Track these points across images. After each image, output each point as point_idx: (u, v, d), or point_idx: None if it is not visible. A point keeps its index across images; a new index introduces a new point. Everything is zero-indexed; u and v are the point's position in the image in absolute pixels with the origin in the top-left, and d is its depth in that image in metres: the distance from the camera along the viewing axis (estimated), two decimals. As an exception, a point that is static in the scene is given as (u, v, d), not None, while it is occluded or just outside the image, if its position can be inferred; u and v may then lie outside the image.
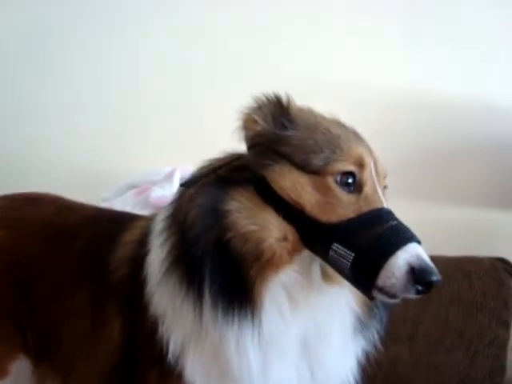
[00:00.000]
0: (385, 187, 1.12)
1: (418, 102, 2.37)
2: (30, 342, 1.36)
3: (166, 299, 1.09)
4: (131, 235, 1.28)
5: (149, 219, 1.28)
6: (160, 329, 1.09)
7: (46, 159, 2.39)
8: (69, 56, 2.43)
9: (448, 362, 1.92)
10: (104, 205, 1.93)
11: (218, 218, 1.03)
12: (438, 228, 2.17)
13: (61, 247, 1.37)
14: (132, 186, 2.17)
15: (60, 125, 2.42)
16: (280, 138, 1.08)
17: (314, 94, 1.18)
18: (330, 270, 1.05)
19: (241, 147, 1.15)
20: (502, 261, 2.05)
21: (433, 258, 0.95)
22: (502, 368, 1.95)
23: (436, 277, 0.93)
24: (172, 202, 1.17)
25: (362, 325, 1.14)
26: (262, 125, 1.09)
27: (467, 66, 2.38)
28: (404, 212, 1.04)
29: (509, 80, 2.37)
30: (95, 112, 2.42)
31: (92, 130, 2.42)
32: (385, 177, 1.13)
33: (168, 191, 1.95)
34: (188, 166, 1.69)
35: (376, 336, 1.17)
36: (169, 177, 2.06)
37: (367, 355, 1.20)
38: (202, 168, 1.15)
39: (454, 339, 1.94)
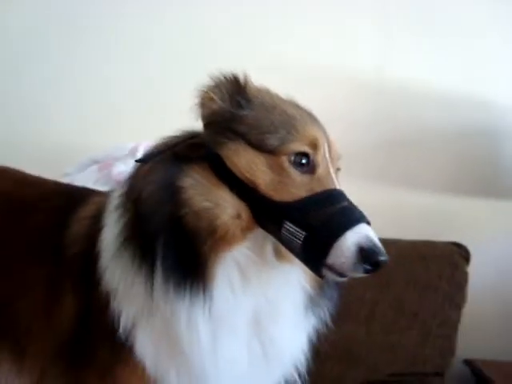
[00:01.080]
0: (338, 169, 1.14)
1: (387, 88, 2.40)
2: None
3: (118, 274, 1.09)
4: (87, 211, 1.27)
5: (106, 195, 1.27)
6: (111, 304, 1.09)
7: (7, 133, 2.34)
8: (42, 36, 2.37)
9: (402, 341, 1.99)
10: (66, 180, 1.89)
11: (172, 194, 1.03)
12: (395, 211, 2.23)
13: (16, 221, 1.35)
14: (95, 162, 2.14)
15: (22, 99, 2.37)
16: (236, 117, 1.08)
17: (280, 79, 1.18)
18: (283, 249, 1.07)
19: (199, 125, 1.14)
20: (458, 245, 2.12)
21: (391, 242, 0.98)
22: (452, 348, 2.03)
23: (383, 257, 0.95)
24: (127, 179, 1.16)
25: (312, 303, 1.16)
26: (218, 103, 1.09)
27: (437, 55, 2.42)
28: (364, 196, 1.06)
29: (474, 69, 2.42)
30: (59, 87, 2.37)
31: (55, 105, 2.37)
32: (338, 159, 1.14)
33: (130, 167, 1.93)
34: (151, 143, 1.68)
35: (327, 314, 1.20)
36: (132, 152, 2.04)
37: (318, 333, 1.23)
38: (158, 145, 1.15)
39: (408, 320, 2.00)
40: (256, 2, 2.38)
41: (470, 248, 2.12)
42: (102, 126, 2.32)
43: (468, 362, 2.26)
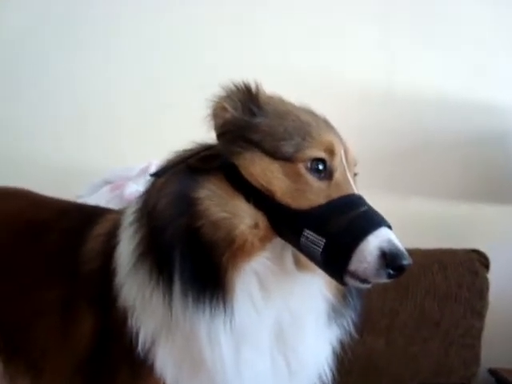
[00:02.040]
0: (355, 174, 1.12)
1: (392, 97, 2.39)
2: None
3: (135, 290, 1.08)
4: (102, 228, 1.26)
5: (119, 212, 1.26)
6: (129, 321, 1.07)
7: (19, 157, 2.34)
8: (42, 53, 2.38)
9: (424, 352, 1.95)
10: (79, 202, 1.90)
11: (187, 205, 1.02)
12: (413, 221, 2.19)
13: (31, 242, 1.34)
14: (106, 182, 2.14)
15: (34, 123, 2.37)
16: (249, 125, 1.07)
17: (290, 88, 1.17)
18: (303, 258, 1.05)
19: (211, 139, 1.14)
20: (477, 252, 2.09)
21: (409, 251, 0.95)
22: (477, 357, 1.99)
23: (407, 261, 0.93)
24: (142, 194, 1.15)
25: (336, 313, 1.13)
26: (231, 112, 1.08)
27: (443, 64, 2.41)
28: (379, 206, 1.04)
29: (482, 75, 2.40)
30: (69, 110, 2.38)
31: (66, 128, 2.37)
32: (355, 164, 1.13)
33: (142, 187, 1.93)
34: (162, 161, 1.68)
35: (351, 324, 1.17)
36: (143, 172, 2.04)
37: (342, 345, 1.20)
38: (172, 159, 1.14)
39: (429, 330, 1.97)
40: (266, 12, 2.38)
41: (488, 255, 2.08)
42: (113, 148, 2.32)
43: (493, 372, 2.21)
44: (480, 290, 2.02)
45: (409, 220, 2.03)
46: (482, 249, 2.10)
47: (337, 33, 2.39)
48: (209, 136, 1.14)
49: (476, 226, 2.36)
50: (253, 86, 1.12)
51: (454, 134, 2.41)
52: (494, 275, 2.06)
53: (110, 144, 2.34)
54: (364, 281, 0.95)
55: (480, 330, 2.00)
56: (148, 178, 1.17)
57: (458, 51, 2.41)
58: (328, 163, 1.04)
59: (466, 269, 2.03)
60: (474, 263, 2.05)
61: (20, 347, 1.31)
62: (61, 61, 2.37)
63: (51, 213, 1.41)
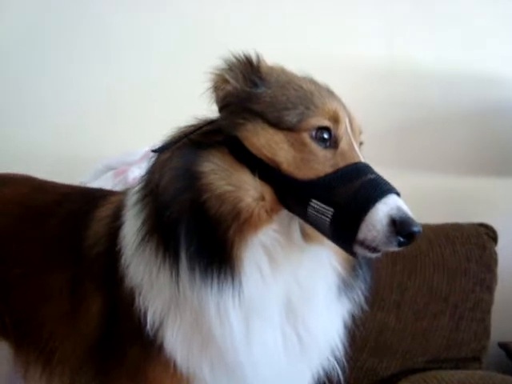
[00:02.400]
0: (361, 143, 1.11)
1: (397, 72, 2.36)
2: (7, 325, 1.33)
3: (141, 269, 1.07)
4: (105, 210, 1.25)
5: (122, 194, 1.25)
6: (137, 300, 1.06)
7: (21, 146, 2.33)
8: (42, 45, 2.37)
9: (434, 327, 1.94)
10: (81, 188, 1.88)
11: (192, 179, 1.00)
12: (420, 196, 2.15)
13: (35, 226, 1.34)
14: (109, 168, 2.13)
15: (34, 111, 2.36)
16: (251, 96, 1.06)
17: (291, 66, 1.15)
18: (310, 229, 1.04)
19: (213, 114, 1.12)
20: (485, 226, 2.08)
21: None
22: (487, 331, 1.98)
23: (417, 227, 0.91)
24: (145, 173, 1.14)
25: (346, 285, 1.12)
26: (232, 84, 1.07)
27: (443, 36, 2.38)
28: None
29: (485, 48, 2.38)
30: (68, 97, 2.36)
31: (66, 115, 2.35)
32: (360, 133, 1.11)
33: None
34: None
35: (361, 297, 1.15)
36: (146, 156, 2.02)
37: (354, 320, 1.19)
38: (174, 134, 1.13)
39: (439, 305, 1.96)
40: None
41: (496, 228, 2.07)
42: (114, 133, 2.30)
43: (503, 345, 2.21)
44: (488, 263, 2.01)
45: (416, 195, 1.99)
46: (490, 222, 2.08)
47: (336, 9, 2.36)
48: (210, 111, 1.12)
49: (483, 199, 2.35)
50: (254, 57, 1.10)
51: (459, 107, 2.38)
52: (502, 249, 2.05)
53: (111, 129, 2.32)
54: (374, 249, 0.94)
55: (489, 303, 1.99)
56: (150, 154, 1.16)
57: (458, 23, 2.38)
58: (333, 132, 1.02)
59: (474, 243, 2.02)
60: (482, 237, 2.03)
61: (30, 332, 1.30)
62: (61, 48, 2.35)
63: (53, 197, 1.40)
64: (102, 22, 2.35)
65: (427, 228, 1.98)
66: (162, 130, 1.18)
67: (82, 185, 2.03)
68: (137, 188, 1.14)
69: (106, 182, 2.06)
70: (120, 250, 1.11)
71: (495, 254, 2.02)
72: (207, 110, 1.12)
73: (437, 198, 2.29)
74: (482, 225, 2.07)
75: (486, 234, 2.04)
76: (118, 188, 2.00)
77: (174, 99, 2.11)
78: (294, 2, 2.33)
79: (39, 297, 1.28)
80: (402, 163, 2.33)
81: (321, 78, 1.15)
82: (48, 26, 2.35)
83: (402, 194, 1.00)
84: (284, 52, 2.14)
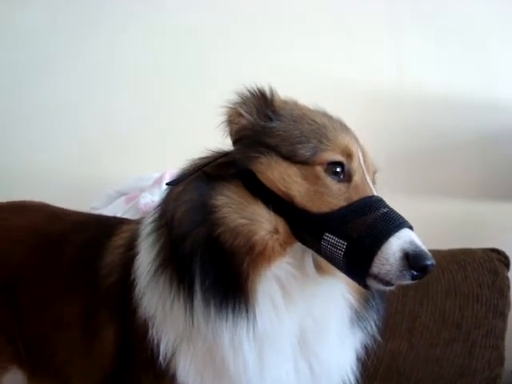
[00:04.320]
0: (374, 182, 1.11)
1: (406, 99, 2.37)
2: (21, 353, 1.33)
3: (155, 300, 1.07)
4: (120, 239, 1.27)
5: (137, 222, 1.26)
6: (150, 331, 1.06)
7: (33, 171, 2.36)
8: (52, 65, 2.40)
9: (447, 354, 1.92)
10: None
11: (206, 213, 1.01)
12: (431, 222, 2.15)
13: (49, 255, 1.35)
14: (121, 194, 2.15)
15: (46, 136, 2.39)
16: (265, 130, 1.07)
17: (298, 90, 1.17)
18: (324, 262, 1.04)
19: (226, 145, 1.14)
20: (496, 251, 2.06)
21: (427, 252, 0.94)
22: (501, 358, 1.95)
23: (431, 261, 0.92)
24: (159, 203, 1.15)
25: (358, 316, 1.12)
26: (247, 118, 1.09)
27: (453, 62, 2.40)
28: (395, 207, 1.03)
29: (495, 74, 2.39)
30: (81, 122, 2.40)
31: (79, 141, 2.39)
32: (375, 172, 1.12)
33: (157, 197, 1.93)
34: (176, 171, 1.68)
35: (374, 328, 1.16)
36: (158, 182, 2.04)
37: (366, 349, 1.19)
38: (188, 167, 1.14)
39: (451, 331, 1.93)
40: (273, 13, 2.39)
41: (508, 253, 2.05)
42: (126, 159, 2.32)
43: (517, 373, 2.17)
44: (501, 289, 1.98)
45: (426, 220, 2.00)
46: (502, 248, 2.06)
47: (345, 33, 2.40)
48: (223, 143, 1.14)
49: (495, 224, 2.33)
50: (267, 91, 1.12)
51: (470, 132, 2.39)
52: (515, 274, 2.03)
53: (123, 155, 2.35)
54: (387, 283, 0.95)
55: (503, 330, 1.96)
56: (164, 187, 1.17)
57: (468, 49, 2.40)
58: (346, 166, 1.04)
59: (486, 268, 2.00)
60: (494, 262, 2.01)
61: (43, 359, 1.31)
62: (66, 70, 2.39)
63: (68, 225, 1.41)
64: (114, 49, 2.39)
65: (438, 254, 1.97)
66: (174, 157, 1.20)
67: (94, 210, 2.06)
68: (151, 218, 1.16)
69: (117, 208, 2.08)
70: (134, 281, 1.12)
71: (507, 279, 2.00)
72: (221, 140, 1.14)
73: (448, 223, 2.28)
74: (493, 250, 2.05)
75: (497, 260, 2.02)
76: (129, 213, 2.02)
77: (188, 127, 2.14)
78: (305, 29, 2.37)
79: (53, 325, 1.29)
80: (412, 189, 2.34)
81: (331, 103, 1.16)
82: (59, 48, 2.39)
83: (412, 219, 1.00)
84: (295, 78, 2.20)
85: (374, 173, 1.13)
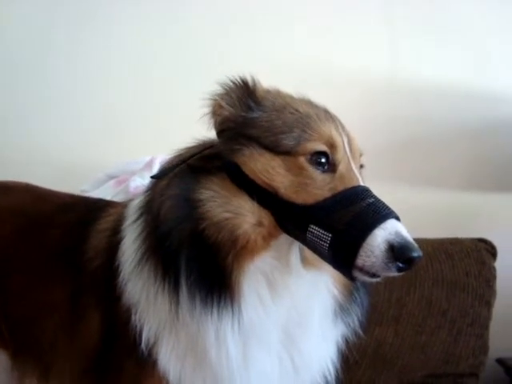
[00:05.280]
0: (361, 166, 1.10)
1: (399, 88, 2.37)
2: (5, 335, 1.32)
3: (139, 288, 1.07)
4: (105, 223, 1.25)
5: (123, 206, 1.25)
6: (133, 318, 1.07)
7: (22, 154, 2.34)
8: (46, 52, 2.37)
9: (432, 341, 1.94)
10: (83, 197, 1.88)
11: (190, 208, 1.01)
12: (419, 211, 2.17)
13: (35, 237, 1.34)
14: (111, 177, 2.13)
15: (36, 119, 2.36)
16: (247, 121, 1.06)
17: (291, 79, 1.16)
18: (309, 255, 1.04)
19: (213, 133, 1.12)
20: (484, 241, 2.07)
21: (415, 241, 0.93)
22: (485, 346, 1.98)
23: (417, 253, 0.90)
24: (145, 192, 1.14)
25: (342, 309, 1.12)
26: (228, 109, 1.07)
27: (447, 52, 2.39)
28: (384, 197, 1.02)
29: (488, 66, 2.39)
30: (71, 106, 2.37)
31: (68, 124, 2.36)
32: (361, 155, 1.10)
33: (147, 180, 1.92)
34: (167, 156, 1.67)
35: (356, 322, 1.15)
36: (148, 166, 2.02)
37: (347, 341, 1.19)
38: (173, 159, 1.13)
39: (437, 319, 1.95)
40: (265, 5, 2.35)
41: (495, 243, 2.07)
42: (116, 142, 2.31)
43: (501, 361, 2.20)
44: (487, 279, 2.00)
45: (415, 210, 2.01)
46: (489, 238, 2.08)
47: (338, 22, 2.37)
48: (212, 131, 1.12)
49: (483, 215, 2.35)
50: (250, 81, 1.10)
51: (460, 123, 2.39)
52: (501, 264, 2.05)
53: (113, 138, 2.32)
54: (373, 275, 0.93)
55: (488, 319, 1.99)
56: (155, 170, 1.16)
57: (461, 39, 2.39)
58: (330, 156, 1.02)
59: (473, 258, 2.01)
60: (481, 252, 2.03)
61: (28, 343, 1.31)
62: (60, 56, 2.36)
63: (54, 207, 1.40)
64: (107, 39, 2.36)
65: (426, 243, 1.98)
66: (163, 140, 1.19)
67: (83, 193, 2.04)
68: (137, 204, 1.15)
69: (107, 191, 2.06)
70: (119, 266, 1.12)
71: (494, 269, 2.02)
72: (208, 128, 1.13)
73: (436, 212, 2.29)
74: (481, 240, 2.07)
75: (485, 250, 2.04)
76: (119, 197, 2.00)
77: (176, 109, 2.11)
78: (295, 16, 2.34)
79: (38, 308, 1.28)
80: (402, 178, 2.34)
81: (323, 91, 1.15)
82: (52, 35, 2.36)
83: (401, 208, 1.00)
84: (285, 66, 2.18)
85: (360, 156, 1.11)
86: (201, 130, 1.13)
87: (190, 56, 2.31)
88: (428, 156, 2.38)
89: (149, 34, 2.34)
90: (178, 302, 1.00)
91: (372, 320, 1.80)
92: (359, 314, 1.15)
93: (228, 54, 2.25)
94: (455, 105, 2.37)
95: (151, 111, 2.30)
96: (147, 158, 2.06)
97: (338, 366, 1.18)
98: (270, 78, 1.14)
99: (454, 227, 2.22)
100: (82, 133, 2.33)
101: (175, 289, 1.00)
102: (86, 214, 1.33)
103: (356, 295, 1.13)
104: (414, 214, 2.08)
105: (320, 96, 1.15)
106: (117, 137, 2.31)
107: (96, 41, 2.35)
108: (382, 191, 1.03)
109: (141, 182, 1.98)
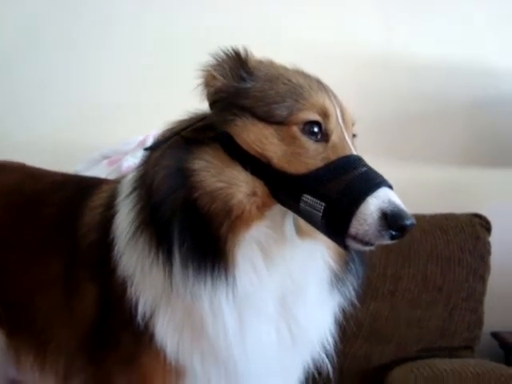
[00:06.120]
0: (354, 135, 1.10)
1: (394, 63, 2.35)
2: (0, 314, 1.33)
3: (134, 261, 1.07)
4: (99, 199, 1.25)
5: (116, 182, 1.25)
6: (129, 290, 1.07)
7: (16, 134, 2.32)
8: (39, 31, 2.35)
9: (428, 316, 1.96)
10: (76, 176, 1.87)
11: (184, 178, 1.00)
12: (414, 186, 2.17)
13: (28, 215, 1.33)
14: (104, 157, 2.13)
15: (30, 99, 2.35)
16: (240, 91, 1.05)
17: (286, 54, 1.14)
18: (304, 225, 1.04)
19: (206, 107, 1.12)
20: (479, 216, 2.07)
21: (410, 216, 0.93)
22: (480, 321, 1.99)
23: (410, 220, 0.90)
24: (138, 166, 1.14)
25: (338, 280, 1.12)
26: (221, 80, 1.07)
27: (442, 26, 2.36)
28: (381, 172, 1.02)
29: (484, 41, 2.36)
30: (65, 85, 2.35)
31: (62, 105, 2.35)
32: (353, 124, 1.10)
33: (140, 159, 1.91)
34: (159, 132, 1.66)
35: (353, 292, 1.16)
36: (141, 145, 2.02)
37: (344, 312, 1.19)
38: (166, 131, 1.12)
39: (432, 294, 1.96)
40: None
41: (490, 218, 2.07)
42: (109, 122, 2.29)
43: (495, 335, 2.23)
44: (482, 253, 2.01)
45: (410, 185, 2.01)
46: (484, 213, 2.08)
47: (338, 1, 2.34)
48: (204, 105, 1.12)
49: (478, 190, 2.35)
50: (242, 52, 1.09)
51: (456, 99, 2.38)
52: (495, 239, 2.05)
53: (106, 119, 2.31)
54: (366, 243, 0.93)
55: (482, 293, 2.00)
56: (143, 152, 1.15)
57: (457, 15, 2.36)
58: (323, 125, 1.02)
59: (468, 233, 2.02)
60: (476, 227, 2.03)
61: (23, 320, 1.31)
62: (52, 35, 2.34)
63: (47, 185, 1.39)
64: (97, 16, 2.34)
65: (421, 218, 1.98)
66: (156, 120, 1.18)
67: (77, 173, 2.03)
68: (130, 179, 1.15)
69: (100, 171, 2.05)
70: (113, 240, 1.12)
71: (488, 244, 2.03)
72: (200, 101, 1.12)
73: (431, 188, 2.29)
74: (475, 215, 2.07)
75: (479, 225, 2.04)
76: (111, 177, 2.00)
77: (169, 88, 2.10)
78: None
79: (33, 285, 1.28)
80: (397, 153, 2.33)
81: (317, 66, 1.13)
82: (47, 20, 2.34)
83: (397, 184, 0.99)
84: (279, 40, 2.16)
85: (353, 125, 1.11)
86: (193, 105, 1.12)
87: (180, 31, 2.28)
88: (424, 132, 2.37)
89: (139, 9, 2.32)
90: (171, 272, 1.00)
91: (367, 295, 1.80)
92: (355, 285, 1.15)
93: (218, 28, 2.22)
94: (452, 80, 2.36)
95: (144, 92, 2.28)
96: (140, 138, 2.05)
97: (336, 336, 1.18)
98: (265, 51, 1.13)
99: (449, 203, 2.22)
100: (76, 113, 2.32)
101: (168, 259, 1.00)
102: (79, 192, 1.32)
103: (352, 265, 1.14)
104: (409, 189, 2.07)
105: (314, 71, 1.14)
106: (110, 117, 2.30)
107: (87, 20, 2.32)
108: (376, 167, 1.03)
109: (133, 161, 1.97)
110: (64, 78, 2.34)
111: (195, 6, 2.30)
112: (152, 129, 1.88)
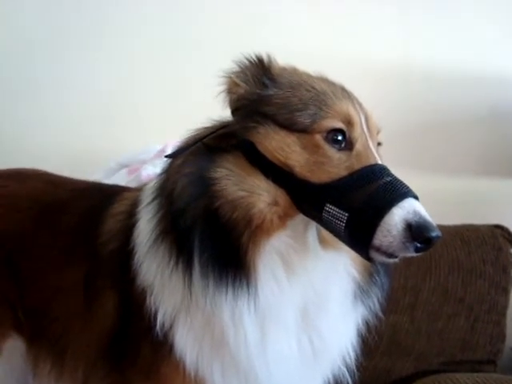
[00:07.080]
0: (379, 144, 1.08)
1: (412, 74, 2.33)
2: (21, 320, 1.33)
3: (154, 269, 1.06)
4: (120, 206, 1.25)
5: (137, 190, 1.25)
6: (148, 300, 1.06)
7: (35, 143, 2.34)
8: (58, 39, 2.37)
9: (449, 328, 1.92)
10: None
11: (205, 186, 0.99)
12: (435, 198, 2.12)
13: (50, 223, 1.34)
14: (122, 166, 2.14)
15: (50, 108, 2.37)
16: (262, 99, 1.04)
17: (304, 67, 1.14)
18: (327, 235, 1.02)
19: (227, 114, 1.11)
20: (500, 228, 2.04)
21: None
22: (502, 334, 1.95)
23: (435, 232, 0.88)
24: (160, 174, 1.13)
25: (362, 292, 1.10)
26: (243, 87, 1.06)
27: (459, 37, 2.35)
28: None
29: (500, 52, 2.34)
30: (84, 94, 2.37)
31: (80, 114, 2.36)
32: (378, 132, 1.08)
33: (160, 168, 1.91)
34: (179, 142, 1.67)
35: (377, 304, 1.13)
36: (160, 154, 2.02)
37: (367, 324, 1.17)
38: (188, 138, 1.11)
39: (454, 306, 1.93)
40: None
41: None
42: (128, 131, 2.30)
43: (518, 349, 2.18)
44: (504, 265, 1.97)
45: (431, 196, 1.97)
46: (506, 224, 2.05)
47: (352, 11, 2.33)
48: (226, 113, 1.11)
49: (499, 201, 2.32)
50: (265, 58, 1.09)
51: (475, 109, 2.35)
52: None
53: (124, 128, 2.32)
54: (390, 255, 0.91)
55: (505, 306, 1.96)
56: (164, 159, 1.15)
57: (475, 26, 2.34)
58: (347, 133, 1.00)
59: (490, 244, 1.98)
60: (498, 239, 2.00)
61: (42, 328, 1.30)
62: (62, 43, 2.36)
63: (69, 192, 1.40)
64: (114, 21, 2.36)
65: (442, 229, 1.91)
66: (175, 129, 1.18)
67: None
68: (152, 187, 1.14)
69: (119, 180, 2.06)
70: (133, 248, 1.11)
71: (511, 255, 1.99)
72: (222, 110, 1.11)
73: (452, 199, 2.26)
74: (497, 226, 2.04)
75: (501, 236, 2.01)
76: (131, 185, 2.00)
77: (189, 98, 2.10)
78: (312, 7, 2.31)
79: (53, 292, 1.28)
80: (417, 165, 2.30)
81: (336, 79, 1.13)
82: (59, 24, 2.35)
83: (417, 195, 0.97)
84: (298, 53, 2.14)
85: (378, 133, 1.09)
86: (214, 113, 1.12)
87: (203, 43, 2.28)
88: (443, 143, 2.34)
89: (153, 16, 2.33)
90: (191, 282, 0.99)
91: (387, 306, 1.78)
92: (380, 297, 1.13)
93: (241, 39, 2.22)
94: (469, 91, 2.33)
95: (164, 101, 2.29)
96: (159, 147, 2.06)
97: (358, 350, 1.16)
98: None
99: (469, 213, 2.18)
100: (95, 122, 2.33)
101: (188, 268, 0.99)
102: (100, 199, 1.33)
103: (376, 277, 1.11)
104: (430, 200, 2.04)
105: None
106: (129, 126, 2.31)
107: (98, 25, 2.34)
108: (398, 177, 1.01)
109: (152, 170, 1.98)
110: (83, 86, 2.35)
111: (218, 15, 2.30)
112: (169, 138, 1.89)
